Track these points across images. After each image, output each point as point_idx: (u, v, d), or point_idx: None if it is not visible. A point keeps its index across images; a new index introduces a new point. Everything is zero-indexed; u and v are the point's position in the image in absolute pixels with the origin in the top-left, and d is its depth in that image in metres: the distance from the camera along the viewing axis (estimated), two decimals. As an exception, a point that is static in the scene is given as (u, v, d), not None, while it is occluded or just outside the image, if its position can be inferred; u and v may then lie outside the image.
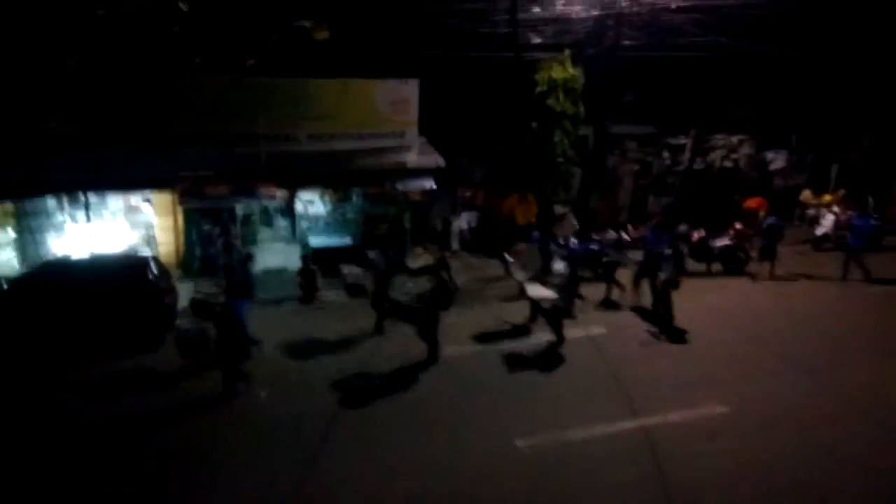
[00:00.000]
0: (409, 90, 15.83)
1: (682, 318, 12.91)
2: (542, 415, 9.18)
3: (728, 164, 21.53)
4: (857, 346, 11.47)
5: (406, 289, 12.29)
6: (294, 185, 15.70)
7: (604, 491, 7.47)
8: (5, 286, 12.21)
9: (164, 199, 15.33)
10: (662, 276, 12.50)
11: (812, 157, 22.40)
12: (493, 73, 18.15)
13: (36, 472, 8.00)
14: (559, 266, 11.37)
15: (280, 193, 15.29)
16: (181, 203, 14.50)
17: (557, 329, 11.40)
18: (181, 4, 15.72)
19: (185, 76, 15.16)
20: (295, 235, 17.23)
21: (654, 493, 7.40)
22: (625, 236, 15.06)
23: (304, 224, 17.19)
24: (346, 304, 14.09)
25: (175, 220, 15.63)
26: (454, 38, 17.74)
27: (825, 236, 17.66)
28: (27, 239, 15.12)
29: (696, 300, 14.09)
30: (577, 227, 17.07)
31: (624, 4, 17.02)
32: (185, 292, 13.29)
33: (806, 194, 20.81)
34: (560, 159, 17.42)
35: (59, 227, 15.46)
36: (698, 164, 21.09)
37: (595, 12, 17.31)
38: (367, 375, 10.47)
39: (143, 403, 9.61)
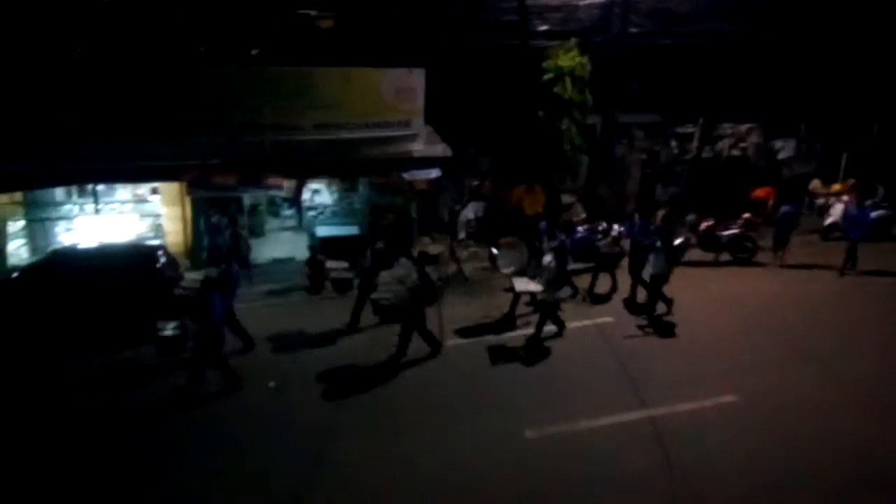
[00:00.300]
0: (415, 79, 15.75)
1: (690, 307, 12.90)
2: (551, 405, 9.19)
3: (736, 152, 21.42)
4: (864, 337, 11.41)
5: (393, 285, 12.00)
6: (300, 175, 15.69)
7: (612, 480, 7.49)
8: (15, 275, 12.31)
9: (171, 188, 15.37)
10: (650, 268, 12.24)
11: (821, 145, 22.26)
12: (499, 62, 18.05)
13: (32, 463, 8.08)
14: (547, 258, 11.26)
15: (287, 183, 15.28)
16: (188, 193, 14.52)
17: (541, 323, 11.22)
18: None
19: (190, 65, 15.14)
20: (301, 225, 17.26)
21: (661, 483, 7.42)
22: (616, 227, 14.75)
23: (310, 214, 17.20)
24: (354, 295, 14.09)
25: (183, 210, 15.67)
26: (460, 26, 17.65)
27: (834, 226, 17.55)
28: (36, 228, 15.21)
29: (704, 290, 14.08)
30: (585, 216, 17.04)
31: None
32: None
33: (815, 183, 20.68)
34: (567, 148, 17.35)
35: (67, 217, 15.54)
36: (706, 153, 20.98)
37: (602, -1, 17.20)
38: (375, 366, 10.49)
39: (149, 392, 9.67)
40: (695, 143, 20.65)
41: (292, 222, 17.79)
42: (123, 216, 15.96)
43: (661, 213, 18.48)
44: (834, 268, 14.76)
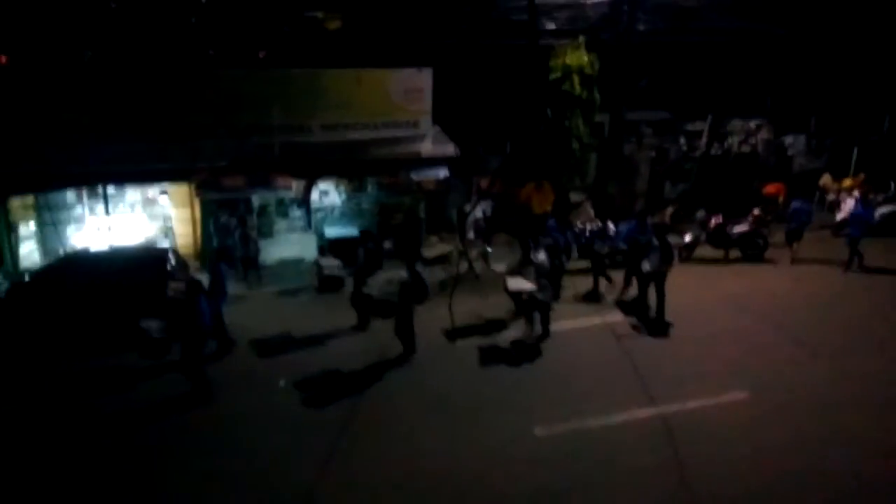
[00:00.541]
0: (423, 79, 15.78)
1: (699, 304, 12.88)
2: (560, 403, 9.19)
3: (745, 149, 21.27)
4: (874, 333, 11.33)
5: (384, 283, 11.87)
6: (308, 176, 15.74)
7: (621, 477, 7.48)
8: (28, 278, 12.44)
9: (181, 190, 15.45)
10: (647, 267, 12.09)
11: (832, 140, 22.06)
12: (507, 61, 18.02)
13: (41, 466, 8.17)
14: (541, 257, 11.21)
15: (295, 184, 15.33)
16: (198, 195, 14.60)
17: (535, 321, 11.21)
18: None
19: (199, 68, 15.23)
20: (310, 226, 17.31)
21: (671, 480, 7.40)
22: (611, 226, 14.60)
23: (319, 214, 17.24)
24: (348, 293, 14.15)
25: (192, 212, 15.76)
26: (468, 25, 17.63)
27: (845, 221, 17.39)
28: (48, 231, 15.33)
29: (714, 287, 14.02)
30: (593, 214, 17.00)
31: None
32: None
33: (825, 179, 20.50)
34: (575, 146, 17.30)
35: (78, 220, 15.66)
36: (715, 150, 20.85)
37: (609, -3, 17.14)
38: (384, 364, 10.52)
39: (161, 393, 9.73)
40: (704, 140, 20.53)
41: (301, 223, 17.82)
42: (133, 218, 16.06)
43: (670, 210, 18.47)
44: (844, 263, 14.66)
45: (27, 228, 15.20)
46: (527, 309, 11.37)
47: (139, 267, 12.09)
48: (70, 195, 15.53)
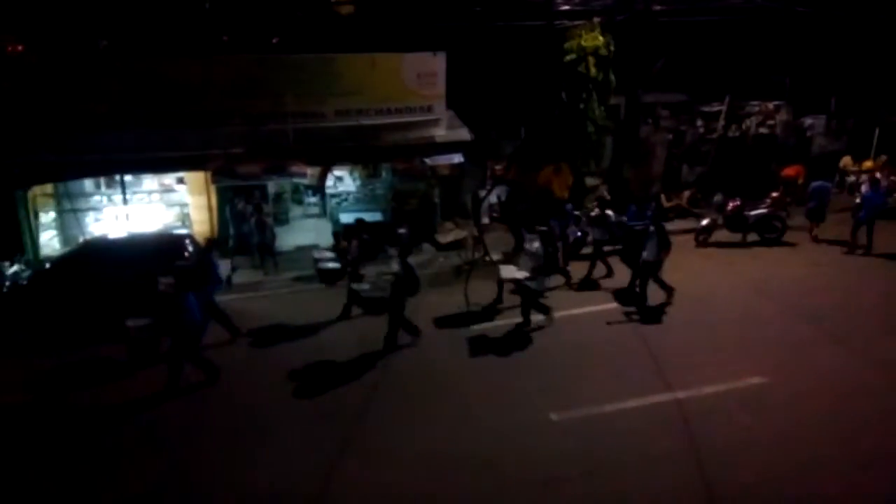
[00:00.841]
0: (437, 63, 15.69)
1: (716, 288, 12.79)
2: (576, 388, 9.19)
3: (764, 130, 20.98)
4: (894, 317, 11.19)
5: (378, 276, 11.78)
6: (323, 162, 15.77)
7: (636, 463, 7.48)
8: (48, 265, 12.62)
9: (197, 178, 15.56)
10: (645, 255, 11.87)
11: (852, 121, 21.70)
12: (520, 43, 17.86)
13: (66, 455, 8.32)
14: (534, 245, 11.13)
15: (310, 171, 15.38)
16: (213, 182, 14.69)
17: (536, 308, 11.16)
18: None
19: (213, 54, 15.25)
20: (325, 212, 17.38)
21: (687, 466, 7.39)
22: (610, 213, 14.17)
23: (334, 201, 17.30)
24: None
25: (209, 199, 15.87)
26: (481, 7, 17.46)
27: (860, 205, 17.13)
28: (67, 219, 15.53)
29: (731, 271, 13.91)
30: (609, 198, 16.88)
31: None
32: (221, 270, 13.55)
33: (846, 160, 20.22)
34: (591, 129, 17.17)
35: (97, 208, 15.85)
36: (732, 132, 20.60)
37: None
38: (396, 351, 10.57)
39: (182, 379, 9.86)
40: (721, 122, 20.28)
41: (316, 210, 17.91)
42: (151, 206, 16.22)
43: (687, 193, 18.31)
44: (862, 246, 14.46)
45: (47, 217, 15.41)
46: (521, 297, 11.30)
47: (158, 253, 12.19)
48: (89, 184, 15.72)
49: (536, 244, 10.99)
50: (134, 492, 7.38)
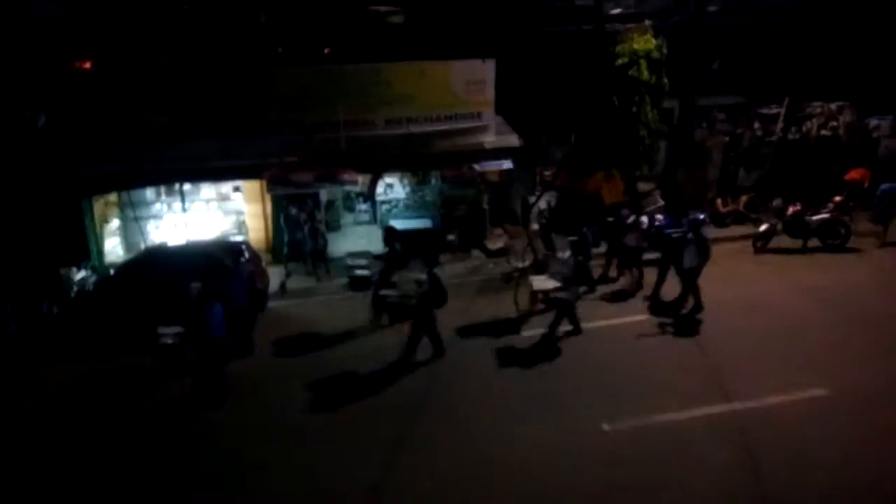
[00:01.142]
0: (486, 70, 15.69)
1: (775, 296, 12.38)
2: (629, 398, 9.04)
3: (826, 132, 20.19)
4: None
5: (408, 284, 11.58)
6: (374, 170, 15.96)
7: (692, 475, 7.30)
8: (113, 272, 13.14)
9: (253, 186, 15.95)
10: (685, 263, 11.58)
11: (922, 121, 20.69)
12: (571, 48, 17.71)
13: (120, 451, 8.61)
14: (565, 255, 10.88)
15: (361, 178, 15.57)
16: (269, 190, 15.03)
17: (557, 321, 10.89)
18: None
19: (268, 66, 15.64)
20: (376, 219, 17.56)
21: (744, 480, 7.17)
22: (643, 219, 13.71)
23: (384, 208, 17.46)
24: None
25: (264, 207, 16.25)
26: (530, 12, 17.39)
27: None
28: (130, 227, 16.14)
29: (791, 278, 13.45)
30: (663, 204, 16.57)
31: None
32: (274, 276, 13.87)
33: (915, 162, 19.28)
34: (643, 133, 16.87)
35: (157, 216, 16.43)
36: (793, 135, 19.90)
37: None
38: (454, 354, 10.57)
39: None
40: (780, 125, 19.63)
41: (367, 217, 18.12)
42: (209, 214, 16.72)
43: (744, 198, 17.77)
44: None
45: (111, 224, 16.04)
46: (554, 308, 11.13)
47: (215, 260, 12.54)
48: (150, 192, 16.31)
49: (567, 254, 10.83)
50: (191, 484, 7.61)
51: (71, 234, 14.18)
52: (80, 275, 13.55)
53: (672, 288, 12.27)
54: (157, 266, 12.32)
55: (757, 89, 20.61)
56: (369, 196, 17.17)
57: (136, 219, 15.89)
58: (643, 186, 17.77)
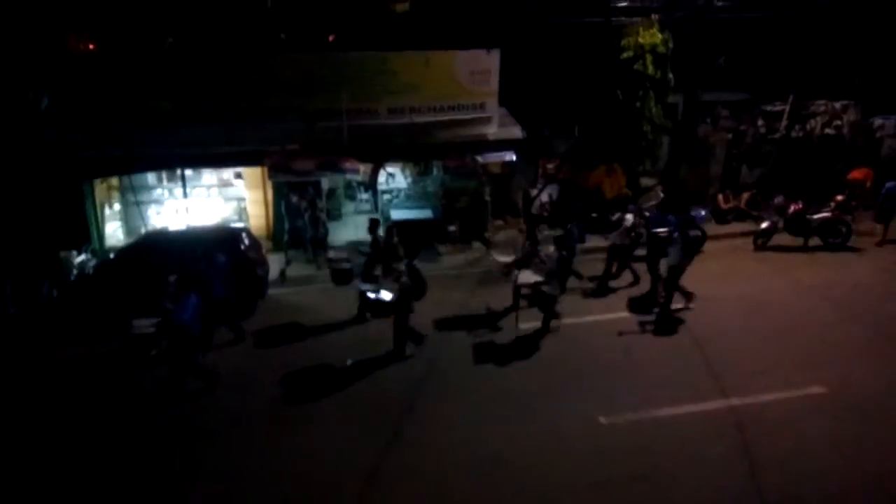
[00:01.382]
0: (490, 61, 15.61)
1: (775, 294, 12.39)
2: (626, 392, 9.06)
3: (830, 131, 20.15)
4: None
5: (393, 277, 11.30)
6: (376, 159, 15.92)
7: (688, 470, 7.32)
8: (112, 256, 13.13)
9: (254, 173, 15.91)
10: (668, 261, 11.49)
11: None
12: (576, 40, 17.63)
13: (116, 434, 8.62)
14: (549, 250, 10.83)
15: (363, 167, 15.53)
16: (270, 177, 14.99)
17: (547, 316, 10.85)
18: None
19: (272, 52, 15.57)
20: (377, 209, 17.53)
21: (740, 475, 7.19)
22: (629, 217, 13.38)
23: (385, 197, 17.44)
24: (433, 278, 14.20)
25: (265, 194, 16.22)
26: (536, 4, 17.30)
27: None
28: (130, 211, 16.12)
29: (791, 276, 13.46)
30: (664, 199, 16.54)
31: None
32: (275, 264, 13.85)
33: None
34: (647, 128, 16.82)
35: (158, 201, 16.40)
36: (796, 132, 19.84)
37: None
38: (438, 352, 10.54)
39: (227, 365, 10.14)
40: (784, 122, 19.57)
41: (368, 206, 18.10)
42: (210, 200, 16.69)
43: (746, 195, 17.75)
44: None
45: (112, 209, 16.02)
46: (536, 303, 11.07)
47: (215, 245, 12.51)
48: (151, 177, 16.28)
49: (550, 248, 10.79)
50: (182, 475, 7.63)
51: (72, 218, 14.15)
52: (80, 258, 13.54)
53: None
54: (157, 251, 12.30)
55: (762, 86, 20.54)
56: (371, 185, 17.15)
57: (137, 203, 15.86)
58: (646, 181, 17.75)
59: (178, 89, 14.16)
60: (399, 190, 17.60)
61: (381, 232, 12.97)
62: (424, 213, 16.71)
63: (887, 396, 8.61)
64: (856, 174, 17.88)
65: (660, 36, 16.25)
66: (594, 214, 14.78)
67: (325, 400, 9.26)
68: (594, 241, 15.04)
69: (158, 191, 16.53)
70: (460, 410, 8.80)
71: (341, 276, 13.23)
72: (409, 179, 17.63)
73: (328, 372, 10.02)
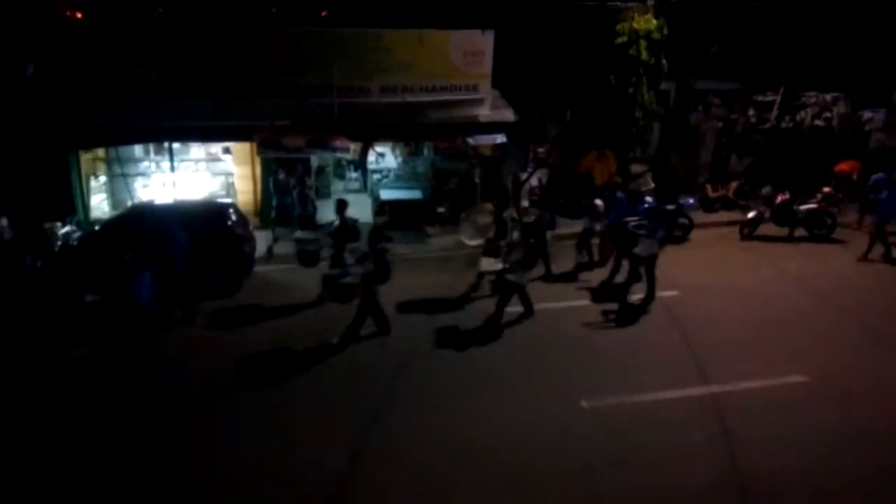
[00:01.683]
0: (485, 42, 15.52)
1: (760, 283, 12.51)
2: (609, 377, 9.13)
3: (820, 123, 20.26)
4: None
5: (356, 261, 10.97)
6: (366, 138, 15.83)
7: (667, 455, 7.41)
8: (97, 228, 12.99)
9: (243, 148, 15.78)
10: (637, 249, 11.46)
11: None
12: (570, 24, 17.52)
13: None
14: (514, 236, 10.76)
15: (353, 146, 15.44)
16: (259, 153, 14.87)
17: (502, 304, 10.67)
18: None
19: (262, 26, 15.36)
20: (366, 188, 17.46)
21: (720, 461, 7.29)
22: (598, 202, 13.43)
23: (375, 177, 17.36)
24: (421, 259, 14.24)
25: (253, 170, 16.09)
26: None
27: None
28: (117, 184, 15.94)
29: (776, 266, 13.58)
30: (654, 186, 16.61)
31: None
32: (262, 241, 13.78)
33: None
34: (639, 114, 16.82)
35: (145, 174, 16.23)
36: (786, 123, 19.95)
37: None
38: (425, 335, 10.52)
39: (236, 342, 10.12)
40: (774, 113, 19.65)
41: (357, 185, 18.02)
42: (197, 174, 16.53)
43: (734, 184, 17.85)
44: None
45: (98, 180, 15.83)
46: (499, 290, 10.99)
47: (201, 221, 12.43)
48: (138, 150, 16.09)
49: (517, 235, 10.71)
50: (160, 464, 7.62)
51: (56, 188, 13.97)
52: (64, 229, 13.39)
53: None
54: (142, 224, 12.17)
55: (753, 76, 20.60)
56: (360, 164, 17.06)
57: (124, 175, 15.69)
58: (636, 168, 17.78)
59: (167, 61, 13.96)
60: (389, 170, 17.53)
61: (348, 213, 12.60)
62: (414, 194, 16.67)
63: (867, 387, 8.74)
64: (843, 166, 18.03)
65: (654, 22, 16.19)
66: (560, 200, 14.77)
67: (306, 379, 9.22)
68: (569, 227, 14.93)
69: (145, 163, 16.36)
70: (441, 394, 8.81)
71: (307, 258, 12.86)
72: (400, 159, 17.56)
73: (311, 352, 9.97)
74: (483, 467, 7.27)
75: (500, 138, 15.82)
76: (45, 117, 13.41)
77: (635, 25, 16.25)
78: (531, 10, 17.52)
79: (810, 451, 7.43)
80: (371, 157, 16.83)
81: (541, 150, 18.37)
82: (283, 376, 9.29)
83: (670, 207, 15.00)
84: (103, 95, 13.68)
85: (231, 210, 13.01)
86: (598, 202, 13.36)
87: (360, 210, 16.46)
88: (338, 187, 17.75)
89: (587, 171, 16.87)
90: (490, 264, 11.43)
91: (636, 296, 11.83)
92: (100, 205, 15.76)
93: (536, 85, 18.69)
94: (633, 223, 12.04)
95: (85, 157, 15.11)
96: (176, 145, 15.67)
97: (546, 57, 18.38)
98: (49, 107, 13.53)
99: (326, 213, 16.25)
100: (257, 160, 15.63)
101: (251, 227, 13.77)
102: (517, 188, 16.77)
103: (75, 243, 12.65)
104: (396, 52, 15.12)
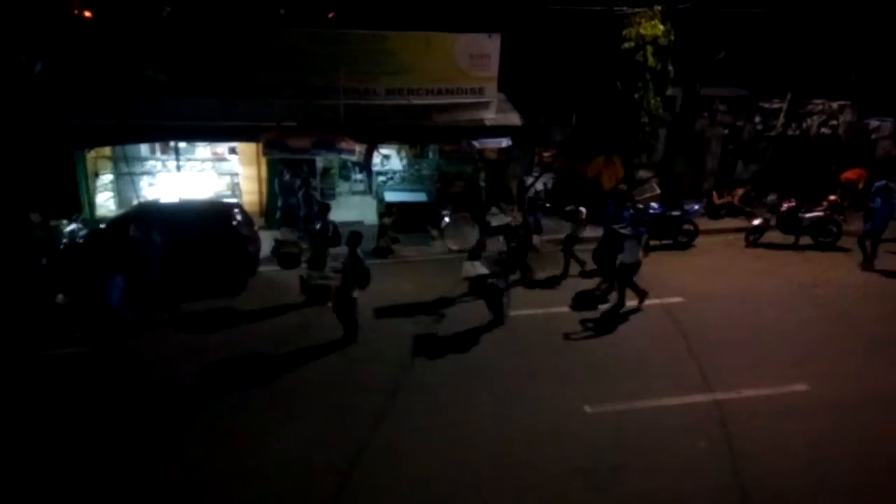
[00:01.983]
0: (491, 45, 15.52)
1: (764, 291, 12.48)
2: (612, 382, 9.12)
3: (826, 131, 20.21)
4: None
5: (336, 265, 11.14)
6: (371, 140, 15.84)
7: (670, 461, 7.40)
8: (103, 226, 13.03)
9: (249, 149, 15.80)
10: (621, 257, 11.28)
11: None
12: (577, 29, 17.52)
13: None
14: (497, 240, 10.70)
15: (358, 147, 15.46)
16: (264, 153, 14.89)
17: (494, 307, 10.69)
18: None
19: (270, 27, 15.40)
20: (371, 190, 17.48)
21: (721, 468, 7.28)
22: (582, 210, 13.28)
23: (380, 179, 17.37)
24: (423, 261, 14.24)
25: (259, 170, 16.12)
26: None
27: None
28: (123, 182, 15.99)
29: (781, 274, 13.55)
30: (659, 192, 16.59)
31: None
32: (267, 241, 13.80)
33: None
34: (644, 120, 16.80)
35: (151, 173, 16.28)
36: (792, 131, 19.90)
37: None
38: (433, 335, 10.58)
39: (230, 343, 10.12)
40: (781, 120, 19.61)
41: (362, 187, 18.04)
42: (203, 174, 16.57)
43: (740, 191, 17.81)
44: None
45: (104, 178, 15.89)
46: (482, 294, 10.94)
47: (206, 220, 12.48)
48: (145, 149, 16.14)
49: (500, 239, 10.66)
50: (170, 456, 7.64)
51: (62, 186, 14.01)
52: (70, 227, 13.43)
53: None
54: (148, 223, 12.18)
55: (760, 83, 20.54)
56: (365, 166, 17.08)
57: (130, 174, 15.73)
58: (642, 174, 17.76)
59: (174, 60, 13.97)
60: (394, 172, 17.53)
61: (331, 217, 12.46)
62: (419, 197, 16.66)
63: (869, 397, 8.72)
64: (849, 174, 17.98)
65: (661, 27, 16.17)
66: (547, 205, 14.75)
67: (307, 378, 9.25)
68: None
69: (151, 162, 16.40)
70: (444, 395, 8.83)
71: (287, 260, 12.82)
72: (405, 161, 17.56)
73: (313, 351, 10.00)
74: (484, 466, 7.29)
75: (506, 142, 15.82)
76: (51, 115, 13.46)
77: (642, 31, 16.22)
78: (538, 14, 17.52)
79: (810, 460, 7.41)
80: (376, 159, 16.83)
81: (547, 154, 18.35)
82: (282, 376, 9.31)
83: (675, 213, 15.01)
84: (110, 94, 13.72)
85: (236, 210, 13.04)
86: (582, 209, 13.23)
87: (365, 212, 16.53)
88: (343, 189, 17.76)
89: (595, 176, 16.83)
90: (473, 268, 11.33)
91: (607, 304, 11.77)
92: (106, 203, 15.81)
93: (542, 89, 18.66)
94: (619, 229, 11.97)
95: (91, 156, 15.16)
96: (182, 145, 15.71)
97: (552, 61, 18.36)
98: (56, 104, 13.57)
99: (331, 214, 16.24)
100: (263, 161, 15.65)
101: (256, 228, 13.80)
102: (522, 192, 16.76)
103: (81, 241, 12.69)
104: (403, 55, 15.14)
